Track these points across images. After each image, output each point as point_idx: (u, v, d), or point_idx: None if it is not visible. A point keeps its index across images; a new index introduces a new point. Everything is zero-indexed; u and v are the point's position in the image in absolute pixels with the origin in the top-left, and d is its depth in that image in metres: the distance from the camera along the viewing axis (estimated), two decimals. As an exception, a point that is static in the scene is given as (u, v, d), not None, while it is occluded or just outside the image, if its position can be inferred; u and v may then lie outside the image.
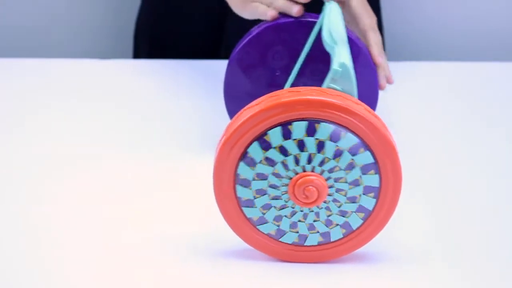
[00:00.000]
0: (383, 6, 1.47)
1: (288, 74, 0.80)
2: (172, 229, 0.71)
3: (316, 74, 0.80)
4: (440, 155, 0.85)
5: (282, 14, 0.79)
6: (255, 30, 0.79)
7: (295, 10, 0.78)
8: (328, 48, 0.69)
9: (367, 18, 0.81)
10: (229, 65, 0.81)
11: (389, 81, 0.81)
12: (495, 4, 1.43)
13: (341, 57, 0.65)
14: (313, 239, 0.65)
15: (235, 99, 0.82)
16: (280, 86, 0.80)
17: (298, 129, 0.61)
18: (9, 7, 1.46)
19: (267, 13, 0.79)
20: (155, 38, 1.17)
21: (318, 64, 0.79)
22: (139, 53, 1.20)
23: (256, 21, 0.83)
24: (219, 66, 0.99)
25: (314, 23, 0.78)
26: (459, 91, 1.02)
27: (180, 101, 0.97)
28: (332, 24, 0.72)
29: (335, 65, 0.64)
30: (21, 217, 0.73)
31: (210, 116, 0.92)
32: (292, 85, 0.79)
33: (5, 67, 1.07)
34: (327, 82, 0.64)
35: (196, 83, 1.01)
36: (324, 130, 0.61)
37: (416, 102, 0.99)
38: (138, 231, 0.71)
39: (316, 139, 0.61)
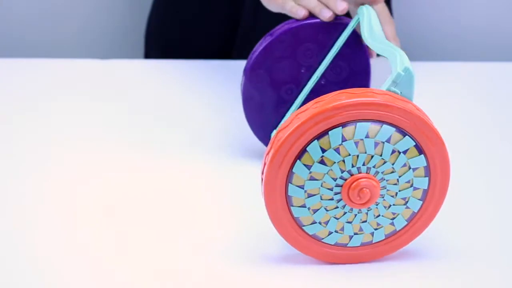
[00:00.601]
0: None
1: (311, 72, 0.80)
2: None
3: (337, 71, 0.80)
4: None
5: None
6: (277, 30, 0.79)
7: (327, 15, 0.77)
8: (379, 51, 0.69)
9: (389, 26, 0.82)
10: (249, 70, 0.80)
11: None
12: (495, 4, 1.43)
13: (404, 62, 0.65)
14: (357, 241, 0.65)
15: (253, 103, 0.81)
16: (302, 84, 0.80)
17: (360, 130, 0.61)
18: (9, 7, 1.46)
19: (298, 12, 0.78)
20: (166, 39, 1.16)
21: (338, 61, 0.80)
22: (150, 54, 1.20)
23: (271, 20, 0.82)
24: (232, 67, 1.00)
25: (342, 25, 0.78)
26: (459, 91, 1.02)
27: (186, 102, 0.97)
28: (377, 27, 0.73)
29: (399, 68, 0.64)
30: (21, 217, 0.73)
31: (225, 117, 0.92)
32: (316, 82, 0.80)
33: (5, 67, 1.07)
34: (387, 84, 0.64)
35: (207, 84, 1.01)
36: (385, 132, 0.61)
37: (415, 102, 0.99)
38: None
39: (376, 141, 0.61)
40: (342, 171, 0.62)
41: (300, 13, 0.78)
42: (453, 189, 0.78)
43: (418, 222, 0.65)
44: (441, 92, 1.02)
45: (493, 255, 0.69)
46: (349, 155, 0.62)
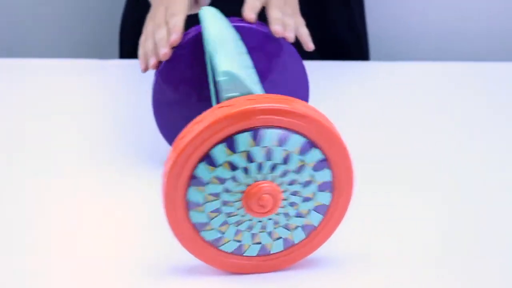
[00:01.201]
0: (384, 7, 1.48)
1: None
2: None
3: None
4: (439, 155, 0.85)
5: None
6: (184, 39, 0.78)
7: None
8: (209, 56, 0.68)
9: (273, 9, 0.79)
10: (156, 76, 0.79)
11: (284, 35, 0.78)
12: (495, 4, 1.43)
13: (221, 65, 0.64)
14: (254, 250, 0.64)
15: (164, 108, 0.80)
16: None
17: (243, 141, 0.59)
18: (9, 7, 1.47)
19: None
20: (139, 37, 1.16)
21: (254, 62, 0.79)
22: (124, 52, 1.19)
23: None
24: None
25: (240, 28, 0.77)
26: (459, 91, 1.02)
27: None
28: (207, 31, 0.71)
29: (219, 76, 0.63)
30: (19, 214, 0.73)
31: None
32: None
33: (5, 67, 1.07)
34: (222, 95, 0.63)
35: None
36: (295, 142, 0.59)
37: (416, 102, 0.99)
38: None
39: (284, 150, 0.59)
40: (245, 178, 0.60)
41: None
42: (431, 187, 0.78)
43: (317, 236, 0.64)
44: (441, 92, 1.02)
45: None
46: (254, 161, 0.59)
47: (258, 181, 0.60)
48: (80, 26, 1.48)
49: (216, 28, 0.72)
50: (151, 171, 0.81)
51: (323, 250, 0.68)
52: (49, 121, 0.93)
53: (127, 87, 1.02)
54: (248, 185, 0.60)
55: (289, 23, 0.78)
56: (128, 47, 1.17)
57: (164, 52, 0.76)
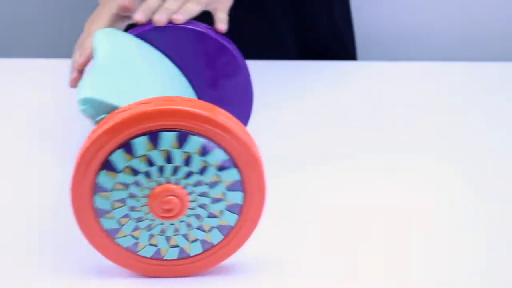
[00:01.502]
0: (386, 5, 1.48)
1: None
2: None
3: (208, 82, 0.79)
4: (439, 155, 0.85)
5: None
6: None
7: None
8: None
9: (219, 13, 0.78)
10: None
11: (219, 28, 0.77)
12: (495, 4, 1.43)
13: (81, 93, 0.63)
14: (173, 254, 0.63)
15: None
16: None
17: (167, 140, 0.58)
18: (9, 7, 1.46)
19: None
20: None
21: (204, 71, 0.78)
22: None
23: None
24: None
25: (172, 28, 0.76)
26: (459, 91, 1.02)
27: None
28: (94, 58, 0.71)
29: (80, 107, 0.63)
30: (21, 216, 0.73)
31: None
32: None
33: (5, 67, 1.07)
34: (94, 122, 0.63)
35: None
36: (194, 143, 0.59)
37: (416, 103, 0.99)
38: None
39: (184, 151, 0.59)
40: (148, 182, 0.59)
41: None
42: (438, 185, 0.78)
43: (236, 236, 0.63)
44: (441, 92, 1.02)
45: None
46: (155, 165, 0.59)
47: (162, 184, 0.60)
48: (80, 26, 1.48)
49: (100, 53, 0.70)
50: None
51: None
52: (49, 121, 0.92)
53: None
54: (152, 189, 0.60)
55: (167, 7, 0.75)
56: None
57: (73, 77, 0.76)
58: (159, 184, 0.60)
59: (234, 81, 0.78)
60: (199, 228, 0.62)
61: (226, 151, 0.59)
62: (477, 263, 0.67)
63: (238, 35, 1.00)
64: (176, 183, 0.60)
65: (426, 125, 0.93)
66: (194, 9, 0.76)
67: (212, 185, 0.60)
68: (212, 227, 0.62)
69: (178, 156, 0.59)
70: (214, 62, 0.77)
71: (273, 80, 1.03)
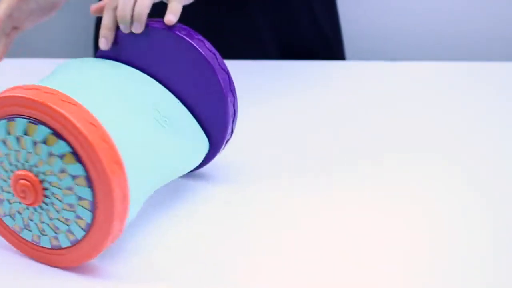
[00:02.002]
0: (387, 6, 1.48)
1: None
2: None
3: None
4: (439, 155, 0.85)
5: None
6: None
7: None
8: None
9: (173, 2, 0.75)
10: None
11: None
12: (495, 4, 1.43)
13: None
14: (46, 241, 0.64)
15: None
16: None
17: (19, 126, 0.60)
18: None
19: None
20: None
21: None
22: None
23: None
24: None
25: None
26: (459, 91, 1.02)
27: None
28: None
29: None
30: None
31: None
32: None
33: (5, 67, 1.07)
34: None
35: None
36: (41, 132, 0.60)
37: (416, 102, 0.99)
38: None
39: (33, 139, 0.60)
40: (10, 165, 0.62)
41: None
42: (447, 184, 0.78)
43: (97, 233, 0.61)
44: (441, 92, 1.02)
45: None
46: (12, 149, 0.61)
47: (19, 169, 0.62)
48: (80, 26, 1.48)
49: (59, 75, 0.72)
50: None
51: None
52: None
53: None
54: (14, 172, 0.62)
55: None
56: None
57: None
58: (18, 168, 0.62)
59: (211, 105, 0.75)
60: (60, 219, 0.62)
61: (70, 144, 0.59)
62: (478, 264, 0.67)
63: (218, 32, 0.99)
64: (30, 170, 0.61)
65: (421, 125, 0.93)
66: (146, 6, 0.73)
67: (61, 176, 0.61)
68: (71, 220, 0.62)
69: (28, 143, 0.60)
70: (195, 77, 0.74)
71: (255, 80, 1.03)
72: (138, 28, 0.72)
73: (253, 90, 1.01)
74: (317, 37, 1.14)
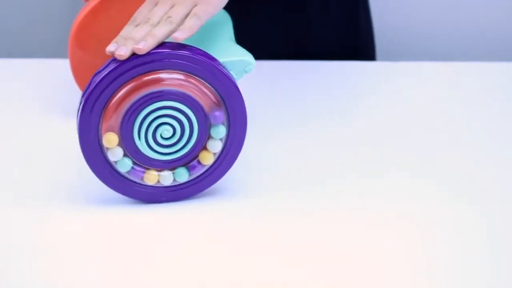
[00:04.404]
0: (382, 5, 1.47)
1: None
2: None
3: None
4: (438, 155, 0.85)
5: None
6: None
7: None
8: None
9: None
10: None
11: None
12: (495, 4, 1.43)
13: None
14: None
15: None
16: None
17: None
18: (9, 7, 1.46)
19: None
20: None
21: None
22: None
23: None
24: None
25: None
26: (459, 91, 1.02)
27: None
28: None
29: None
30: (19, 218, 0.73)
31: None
32: None
33: (5, 67, 1.07)
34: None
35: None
36: None
37: (416, 102, 0.99)
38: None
39: None
40: None
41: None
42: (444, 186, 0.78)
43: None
44: (441, 92, 1.02)
45: None
46: None
47: None
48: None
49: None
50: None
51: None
52: (49, 121, 0.92)
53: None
54: None
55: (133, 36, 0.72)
56: None
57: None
58: None
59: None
60: None
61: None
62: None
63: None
64: None
65: (436, 125, 0.93)
66: (195, 24, 0.74)
67: None
68: None
69: None
70: None
71: (263, 81, 1.03)
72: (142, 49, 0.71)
73: (260, 91, 1.00)
74: (332, 40, 1.13)
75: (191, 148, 0.72)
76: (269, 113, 0.94)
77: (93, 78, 0.71)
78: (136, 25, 0.74)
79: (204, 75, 0.71)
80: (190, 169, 0.73)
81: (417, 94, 1.01)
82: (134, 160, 0.72)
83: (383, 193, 0.77)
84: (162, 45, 0.71)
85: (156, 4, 0.76)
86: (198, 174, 0.73)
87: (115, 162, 0.72)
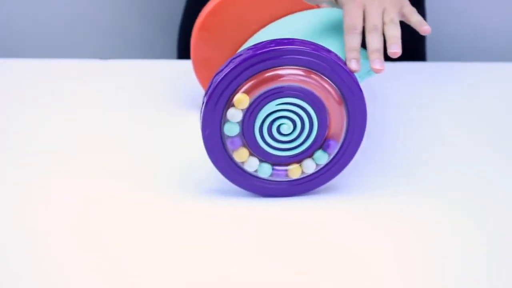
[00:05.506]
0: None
1: None
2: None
3: None
4: (438, 155, 0.85)
5: None
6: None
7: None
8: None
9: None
10: None
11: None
12: (495, 4, 1.43)
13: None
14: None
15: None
16: None
17: None
18: (10, 7, 1.46)
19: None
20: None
21: None
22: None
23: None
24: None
25: None
26: (459, 91, 1.02)
27: (187, 102, 0.96)
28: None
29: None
30: (19, 218, 0.73)
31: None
32: None
33: (5, 67, 1.07)
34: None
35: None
36: None
37: (416, 102, 0.99)
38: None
39: None
40: None
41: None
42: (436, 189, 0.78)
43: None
44: (441, 92, 1.01)
45: None
46: None
47: None
48: (80, 26, 1.48)
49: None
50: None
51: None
52: (49, 121, 0.92)
53: (129, 87, 1.01)
54: None
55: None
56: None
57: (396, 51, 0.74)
58: None
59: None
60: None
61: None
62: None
63: None
64: None
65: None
66: (398, 30, 0.75)
67: None
68: None
69: None
70: None
71: None
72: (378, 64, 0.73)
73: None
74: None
75: (315, 137, 0.72)
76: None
77: (214, 77, 0.72)
78: (356, 33, 0.74)
79: (326, 71, 0.71)
80: (325, 149, 0.73)
81: (416, 94, 1.01)
82: (269, 161, 0.73)
83: (390, 196, 0.78)
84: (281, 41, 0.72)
85: (363, 8, 0.76)
86: (334, 153, 0.73)
87: (255, 171, 0.73)
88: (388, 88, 1.02)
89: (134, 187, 0.78)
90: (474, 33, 1.45)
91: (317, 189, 0.76)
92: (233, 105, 0.70)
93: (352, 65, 0.72)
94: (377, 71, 0.73)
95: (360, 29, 0.75)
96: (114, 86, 1.02)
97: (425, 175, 0.81)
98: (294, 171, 0.73)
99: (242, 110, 0.70)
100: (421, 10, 1.15)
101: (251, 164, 0.72)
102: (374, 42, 0.74)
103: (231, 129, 0.71)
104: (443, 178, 0.80)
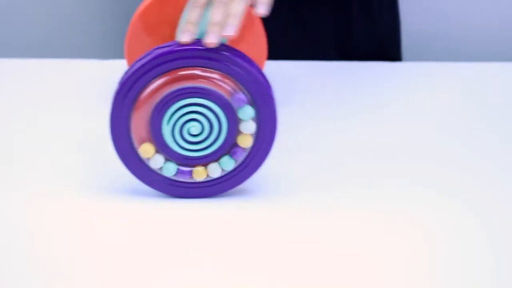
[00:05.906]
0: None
1: None
2: None
3: None
4: (439, 155, 0.85)
5: None
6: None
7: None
8: None
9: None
10: None
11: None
12: (495, 4, 1.43)
13: None
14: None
15: None
16: None
17: None
18: (10, 7, 1.46)
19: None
20: None
21: None
22: None
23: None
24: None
25: None
26: (459, 91, 1.02)
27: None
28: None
29: None
30: (19, 218, 0.73)
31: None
32: None
33: (5, 67, 1.07)
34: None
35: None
36: None
37: (416, 102, 0.99)
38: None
39: None
40: None
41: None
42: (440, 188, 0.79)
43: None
44: (440, 92, 1.02)
45: None
46: None
47: None
48: (80, 26, 1.48)
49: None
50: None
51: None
52: (49, 121, 0.93)
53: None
54: None
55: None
56: None
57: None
58: None
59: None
60: None
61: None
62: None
63: (277, 46, 0.97)
64: None
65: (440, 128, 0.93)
66: (242, 7, 0.72)
67: None
68: None
69: None
70: None
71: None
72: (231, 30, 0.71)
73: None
74: (374, 45, 1.13)
75: (223, 141, 0.73)
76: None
77: (133, 64, 0.72)
78: (197, 6, 0.73)
79: (239, 77, 0.71)
80: (232, 155, 0.73)
81: (417, 94, 1.01)
82: (176, 162, 0.73)
83: (390, 198, 0.78)
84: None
85: None
86: (241, 159, 0.73)
87: (160, 169, 0.73)
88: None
89: (134, 187, 0.78)
90: (451, 33, 1.45)
91: (225, 193, 0.76)
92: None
93: (184, 36, 0.71)
94: (208, 45, 0.70)
95: (201, 3, 0.73)
96: (114, 86, 1.02)
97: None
98: (199, 173, 0.74)
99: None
100: (395, 9, 1.15)
101: (156, 161, 0.73)
102: (216, 15, 0.72)
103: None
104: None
